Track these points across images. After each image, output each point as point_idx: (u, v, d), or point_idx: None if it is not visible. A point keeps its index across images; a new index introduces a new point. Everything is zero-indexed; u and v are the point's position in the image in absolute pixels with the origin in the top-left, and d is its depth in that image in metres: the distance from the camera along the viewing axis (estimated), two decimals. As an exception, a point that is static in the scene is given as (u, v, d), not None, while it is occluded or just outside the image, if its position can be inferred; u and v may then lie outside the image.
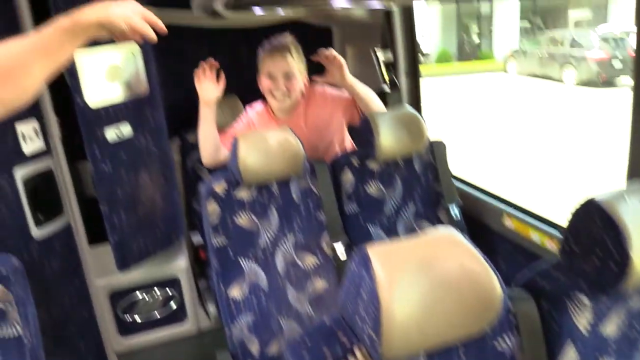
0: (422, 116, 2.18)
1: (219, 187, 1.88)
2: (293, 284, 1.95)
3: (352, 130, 3.12)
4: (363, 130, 2.07)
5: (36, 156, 2.08)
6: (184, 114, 2.56)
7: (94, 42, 2.04)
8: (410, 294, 0.91)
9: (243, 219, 1.91)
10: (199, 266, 2.76)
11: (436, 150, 2.21)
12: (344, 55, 3.23)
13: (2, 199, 1.96)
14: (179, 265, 2.51)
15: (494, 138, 8.94)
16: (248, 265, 1.91)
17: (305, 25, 3.10)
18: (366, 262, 0.94)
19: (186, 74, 2.24)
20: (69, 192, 2.23)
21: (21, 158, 2.03)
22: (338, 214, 2.04)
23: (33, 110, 2.07)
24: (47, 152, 2.13)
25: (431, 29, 20.47)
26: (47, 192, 2.14)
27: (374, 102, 2.16)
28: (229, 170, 1.89)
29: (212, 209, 1.87)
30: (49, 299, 2.07)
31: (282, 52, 2.05)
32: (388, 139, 2.03)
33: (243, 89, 2.86)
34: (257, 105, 2.26)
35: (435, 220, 2.20)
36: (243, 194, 1.91)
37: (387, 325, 0.89)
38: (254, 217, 1.93)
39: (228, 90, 2.86)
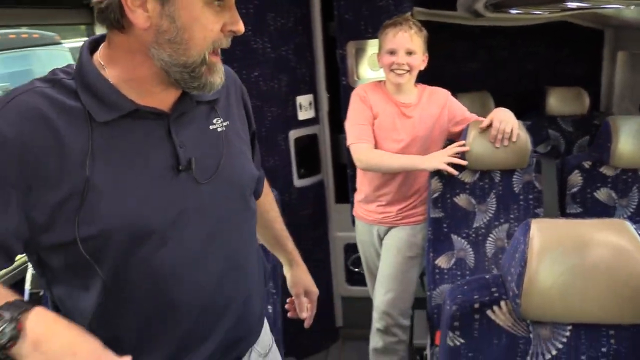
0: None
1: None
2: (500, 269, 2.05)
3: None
4: (600, 133, 2.03)
5: (307, 123, 2.59)
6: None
7: (368, 35, 2.34)
8: (558, 266, 1.02)
9: (462, 199, 2.09)
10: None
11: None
12: (613, 60, 3.06)
13: (278, 152, 2.52)
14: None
15: None
16: (459, 242, 2.08)
17: (574, 27, 3.03)
18: (526, 230, 1.07)
19: (444, 68, 2.46)
20: (326, 156, 2.71)
21: (296, 123, 2.56)
22: (559, 213, 2.05)
23: (310, 87, 2.59)
24: (315, 120, 2.64)
25: None
26: (310, 153, 2.65)
27: None
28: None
29: (435, 185, 2.09)
30: (297, 238, 2.58)
31: (404, 29, 1.99)
32: (628, 146, 1.95)
33: (496, 86, 2.98)
34: (366, 86, 2.18)
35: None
36: (466, 176, 2.08)
37: (528, 286, 1.02)
38: (472, 199, 2.09)
39: (481, 86, 3.02)
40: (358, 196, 2.30)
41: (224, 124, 1.07)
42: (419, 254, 2.19)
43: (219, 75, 0.96)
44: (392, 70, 2.02)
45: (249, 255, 1.12)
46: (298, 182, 2.60)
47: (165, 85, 0.95)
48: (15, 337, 0.72)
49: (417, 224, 2.19)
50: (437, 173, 2.07)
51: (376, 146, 2.08)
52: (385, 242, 2.24)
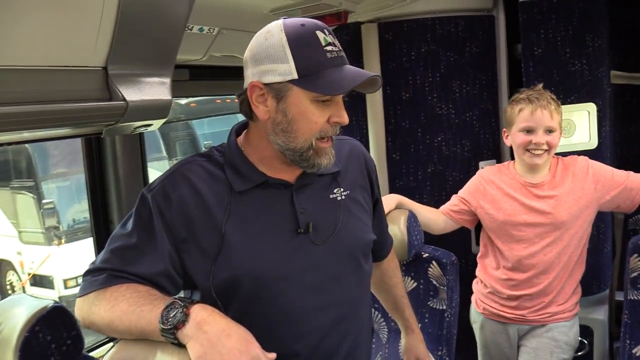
0: None
1: (648, 243, 1.89)
2: None
3: None
4: None
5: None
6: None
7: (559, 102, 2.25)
8: None
9: (666, 282, 1.86)
10: (617, 328, 2.68)
11: None
12: None
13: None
14: (595, 316, 2.52)
15: None
16: (663, 331, 1.85)
17: None
18: None
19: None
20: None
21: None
22: None
23: (494, 152, 2.57)
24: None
25: None
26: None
27: None
28: None
29: (634, 263, 1.90)
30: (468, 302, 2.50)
31: (543, 105, 1.81)
32: None
33: None
34: (489, 167, 2.08)
35: None
36: (673, 255, 1.86)
37: None
38: (680, 283, 1.85)
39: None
40: (484, 287, 2.04)
41: (344, 193, 1.25)
42: (572, 354, 1.96)
43: (327, 157, 1.14)
44: (528, 150, 1.85)
45: (357, 312, 1.26)
46: (476, 249, 2.54)
47: (286, 164, 1.16)
48: (183, 320, 0.95)
49: (571, 319, 1.94)
50: (636, 249, 1.89)
51: (505, 237, 1.93)
52: (527, 345, 1.95)
